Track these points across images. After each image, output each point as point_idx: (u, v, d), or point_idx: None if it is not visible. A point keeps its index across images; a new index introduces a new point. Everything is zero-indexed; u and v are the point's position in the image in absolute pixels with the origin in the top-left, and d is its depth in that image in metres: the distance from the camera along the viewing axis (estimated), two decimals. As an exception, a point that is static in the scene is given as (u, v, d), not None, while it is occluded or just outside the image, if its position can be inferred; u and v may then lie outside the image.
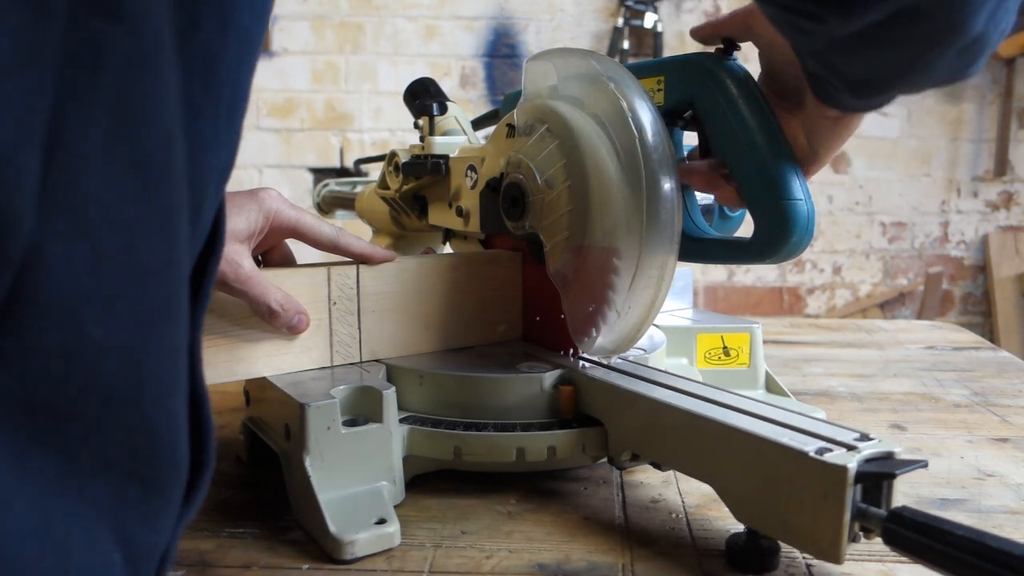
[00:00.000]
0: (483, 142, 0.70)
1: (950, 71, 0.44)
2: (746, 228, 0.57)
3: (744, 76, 0.53)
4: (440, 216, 0.72)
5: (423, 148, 0.72)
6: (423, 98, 0.74)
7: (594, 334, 0.55)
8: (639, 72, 0.56)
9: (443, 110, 0.72)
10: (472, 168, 0.65)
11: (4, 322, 0.20)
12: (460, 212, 0.67)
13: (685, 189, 0.58)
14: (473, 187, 0.65)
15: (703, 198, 0.63)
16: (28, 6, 0.19)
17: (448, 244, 0.78)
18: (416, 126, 0.74)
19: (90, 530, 0.24)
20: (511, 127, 0.60)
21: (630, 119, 0.51)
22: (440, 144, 0.71)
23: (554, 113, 0.55)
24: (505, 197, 0.60)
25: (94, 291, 0.22)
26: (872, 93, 0.47)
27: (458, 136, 0.73)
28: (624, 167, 0.51)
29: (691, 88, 0.54)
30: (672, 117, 0.56)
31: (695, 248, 0.57)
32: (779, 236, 0.51)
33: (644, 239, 0.51)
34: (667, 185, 0.50)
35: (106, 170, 0.22)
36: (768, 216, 0.51)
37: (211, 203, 0.29)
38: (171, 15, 0.23)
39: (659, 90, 0.56)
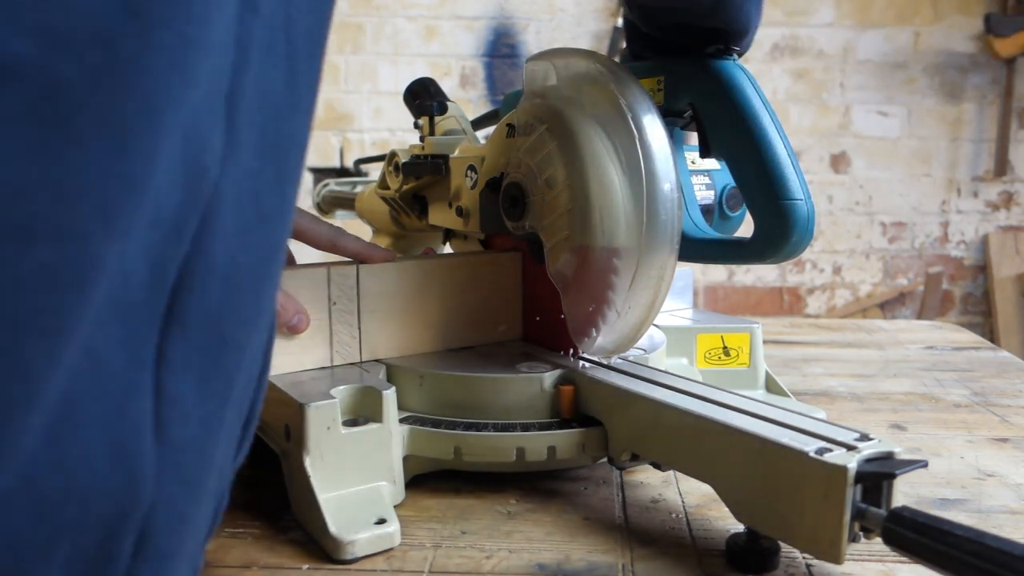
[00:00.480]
0: (483, 142, 0.70)
1: None
2: (746, 229, 0.57)
3: (744, 76, 0.53)
4: (440, 216, 0.72)
5: (423, 148, 0.72)
6: (423, 98, 0.74)
7: (594, 334, 0.55)
8: (639, 72, 0.56)
9: (443, 110, 0.72)
10: (472, 168, 0.65)
11: (196, 242, 0.24)
12: (460, 212, 0.67)
13: (685, 188, 0.58)
14: (473, 187, 0.65)
15: (703, 198, 0.63)
16: None
17: (448, 244, 0.79)
18: (416, 126, 0.74)
19: (225, 447, 0.28)
20: (511, 127, 0.60)
21: (630, 119, 0.51)
22: (440, 144, 0.71)
23: (554, 113, 0.55)
24: (505, 197, 0.60)
25: (243, 225, 0.25)
26: None
27: (458, 136, 0.73)
28: (624, 167, 0.51)
29: (691, 88, 0.54)
30: (672, 117, 0.56)
31: (695, 248, 0.57)
32: (779, 236, 0.51)
33: (644, 239, 0.51)
34: (667, 185, 0.50)
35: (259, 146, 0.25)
36: (768, 216, 0.51)
37: None
38: None
39: (659, 90, 0.56)
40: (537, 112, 0.57)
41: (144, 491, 0.23)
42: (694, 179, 0.63)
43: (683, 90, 0.55)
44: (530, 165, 0.57)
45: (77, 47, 0.18)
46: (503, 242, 0.68)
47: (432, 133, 0.72)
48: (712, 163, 0.63)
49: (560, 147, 0.54)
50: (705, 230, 0.59)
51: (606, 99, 0.52)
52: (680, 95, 0.55)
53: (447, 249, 0.81)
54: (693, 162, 0.63)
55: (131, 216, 0.20)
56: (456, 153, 0.69)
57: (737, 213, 0.65)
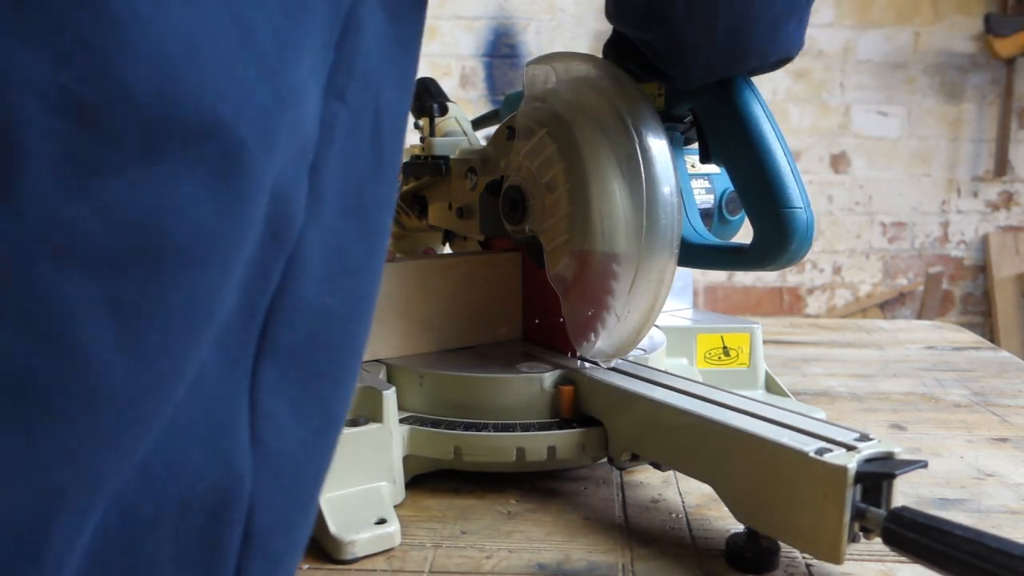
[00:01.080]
0: (483, 143, 0.70)
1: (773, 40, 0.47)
2: (744, 234, 0.57)
3: (745, 84, 0.53)
4: (440, 217, 0.72)
5: (423, 149, 0.72)
6: (423, 99, 0.74)
7: (593, 338, 0.55)
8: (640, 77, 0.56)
9: (443, 111, 0.72)
10: (472, 170, 0.65)
11: (283, 282, 0.27)
12: (460, 213, 0.67)
13: (685, 193, 0.58)
14: (473, 189, 0.65)
15: (703, 202, 0.63)
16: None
17: (448, 244, 0.79)
18: (416, 126, 0.74)
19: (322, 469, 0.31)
20: (511, 129, 0.60)
21: (630, 124, 0.51)
22: (440, 145, 0.71)
23: (554, 117, 0.55)
24: (505, 201, 0.60)
25: (329, 272, 0.29)
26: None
27: (458, 137, 0.73)
28: (624, 172, 0.51)
29: (692, 94, 0.54)
30: (673, 122, 0.56)
31: (694, 254, 0.57)
32: (778, 244, 0.51)
33: (644, 244, 0.51)
34: (667, 190, 0.50)
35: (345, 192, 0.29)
36: (767, 224, 0.51)
37: None
38: None
39: (659, 95, 0.56)
40: (537, 116, 0.57)
41: (243, 484, 0.27)
42: (694, 183, 0.63)
43: (684, 96, 0.55)
44: (530, 169, 0.57)
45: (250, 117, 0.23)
46: (503, 244, 0.68)
47: (432, 134, 0.72)
48: (712, 167, 0.63)
49: (560, 151, 0.54)
50: (705, 236, 0.59)
51: (606, 104, 0.52)
52: (681, 101, 0.55)
53: (447, 249, 0.81)
54: (693, 166, 0.63)
55: (237, 257, 0.24)
56: (456, 154, 0.69)
57: (736, 217, 0.65)
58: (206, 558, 0.26)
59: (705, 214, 0.63)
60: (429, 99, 0.73)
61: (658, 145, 0.50)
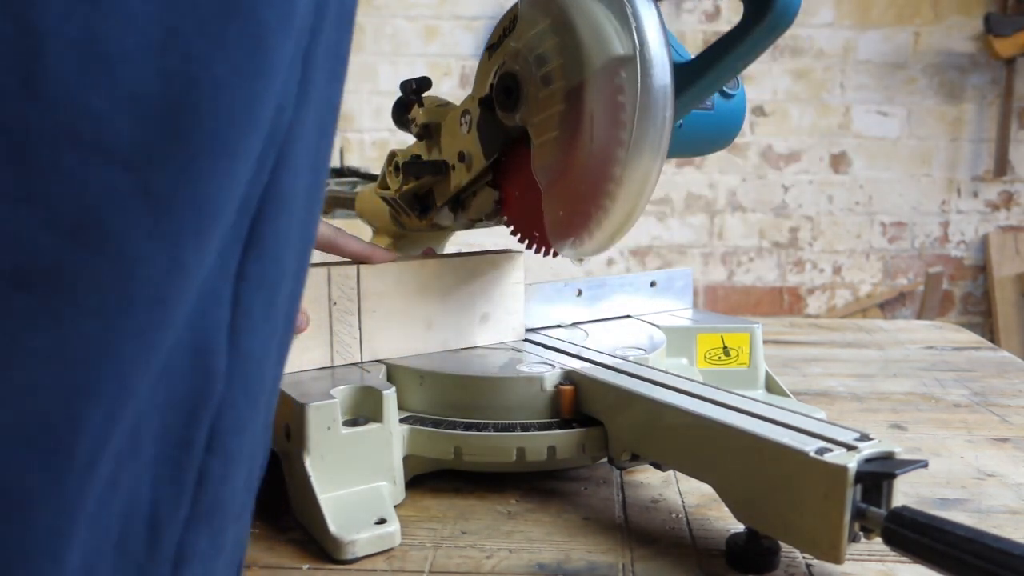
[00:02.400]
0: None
1: None
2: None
3: None
4: (444, 190, 0.70)
5: (414, 120, 0.71)
6: (404, 93, 0.73)
7: (572, 238, 0.55)
8: None
9: (427, 84, 0.71)
10: (466, 112, 0.64)
11: (273, 175, 0.27)
12: (462, 158, 0.66)
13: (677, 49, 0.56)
14: (469, 130, 0.64)
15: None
16: None
17: (456, 216, 0.75)
18: (411, 123, 0.73)
19: (273, 380, 0.32)
20: (491, 47, 0.60)
21: (631, 20, 0.49)
22: (430, 111, 0.70)
23: (558, 5, 0.53)
24: (499, 87, 0.59)
25: (310, 162, 0.29)
26: None
27: (448, 109, 0.72)
28: (623, 44, 0.50)
29: None
30: None
31: (685, 72, 0.54)
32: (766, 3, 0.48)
33: (632, 139, 0.49)
34: (661, 84, 0.49)
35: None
36: None
37: None
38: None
39: None
40: (541, 5, 0.55)
41: (216, 388, 0.27)
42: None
43: None
44: (527, 57, 0.56)
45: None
46: (508, 169, 0.65)
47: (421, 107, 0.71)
48: None
49: (560, 44, 0.53)
50: (686, 54, 0.56)
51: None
52: None
53: (447, 249, 0.81)
54: None
55: (258, 144, 0.24)
56: (447, 120, 0.68)
57: (737, 91, 0.63)
58: (178, 456, 0.27)
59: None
60: (408, 89, 0.73)
61: (653, 26, 0.49)
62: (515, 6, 0.58)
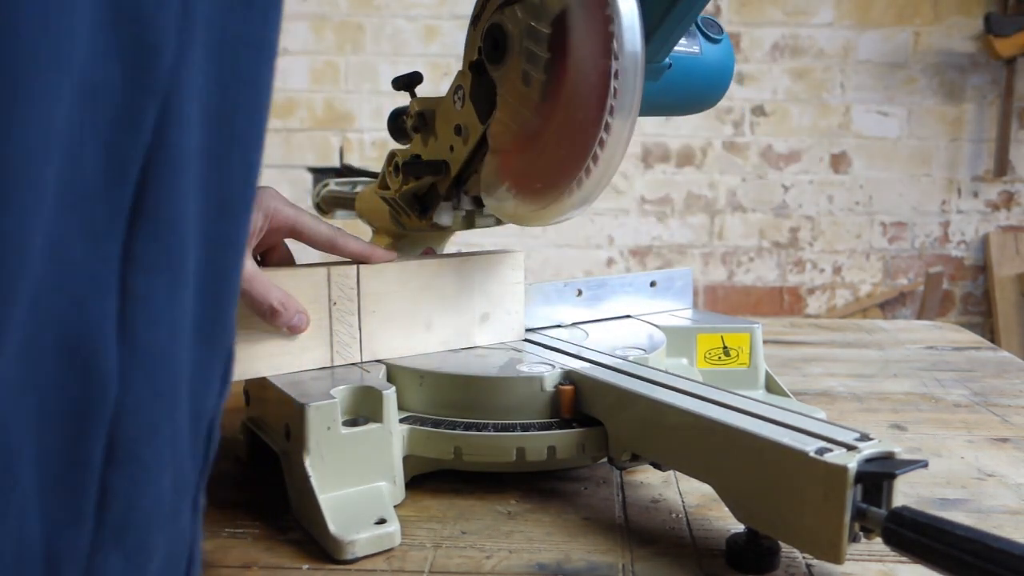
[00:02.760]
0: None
1: None
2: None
3: None
4: (446, 179, 0.70)
5: (411, 114, 0.71)
6: (396, 87, 0.74)
7: (564, 188, 0.54)
8: None
9: (418, 78, 0.72)
10: (458, 88, 0.64)
11: (157, 137, 0.23)
12: (459, 131, 0.66)
13: None
14: (463, 104, 0.64)
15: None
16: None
17: (460, 202, 0.75)
18: (408, 129, 0.73)
19: (203, 370, 0.29)
20: (475, 18, 0.60)
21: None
22: (424, 100, 0.70)
23: None
24: (487, 44, 0.58)
25: (210, 123, 0.25)
26: None
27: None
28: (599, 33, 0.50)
29: None
30: None
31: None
32: None
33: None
34: (634, 51, 0.49)
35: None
36: None
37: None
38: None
39: None
40: None
41: (108, 392, 0.23)
42: None
43: None
44: (515, 11, 0.56)
45: None
46: (500, 130, 0.65)
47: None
48: None
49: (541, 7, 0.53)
50: None
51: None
52: None
53: (447, 249, 0.81)
54: None
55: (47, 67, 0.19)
56: (441, 106, 0.68)
57: (722, 36, 0.63)
58: (69, 477, 0.23)
59: (690, 38, 0.61)
60: (404, 83, 0.73)
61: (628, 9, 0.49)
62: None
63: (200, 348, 0.27)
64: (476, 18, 0.60)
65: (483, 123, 0.62)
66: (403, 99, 0.73)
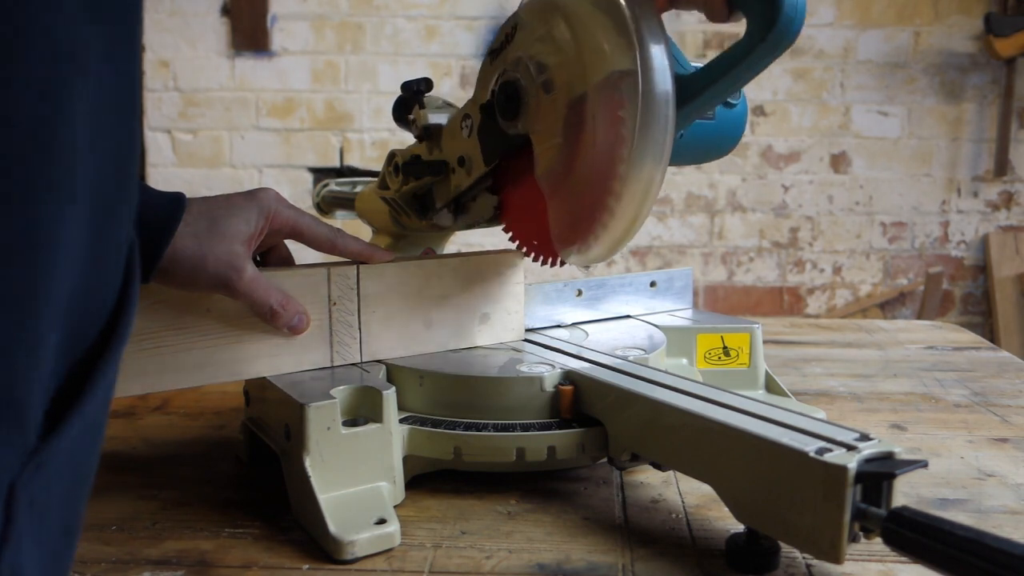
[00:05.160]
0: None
1: None
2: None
3: None
4: (445, 192, 0.70)
5: (414, 122, 0.71)
6: (405, 93, 0.74)
7: (577, 244, 0.55)
8: None
9: (429, 86, 0.71)
10: (467, 117, 0.64)
11: None
12: (462, 163, 0.66)
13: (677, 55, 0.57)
14: (469, 135, 0.64)
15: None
16: None
17: (457, 218, 0.75)
18: (410, 122, 0.73)
19: None
20: (492, 52, 0.60)
21: (631, 27, 0.49)
22: (432, 116, 0.70)
23: (554, 9, 0.54)
24: (500, 97, 0.59)
25: None
26: None
27: (450, 111, 0.72)
28: (623, 71, 0.50)
29: None
30: None
31: (689, 84, 0.54)
32: (771, 14, 0.48)
33: (633, 149, 0.50)
34: (663, 89, 0.49)
35: None
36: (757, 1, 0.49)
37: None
38: None
39: None
40: (539, 11, 0.55)
41: None
42: None
43: None
44: (528, 65, 0.56)
45: None
46: (507, 173, 0.65)
47: (422, 108, 0.71)
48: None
49: (558, 49, 0.53)
50: (692, 66, 0.56)
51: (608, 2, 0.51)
52: None
53: (447, 249, 0.81)
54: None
55: None
56: (447, 121, 0.68)
57: (739, 101, 0.63)
58: None
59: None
60: (410, 90, 0.73)
61: (657, 47, 0.49)
62: (517, 12, 0.58)
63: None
64: (495, 52, 0.60)
65: (487, 164, 0.63)
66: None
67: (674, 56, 0.52)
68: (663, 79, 0.49)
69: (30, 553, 0.26)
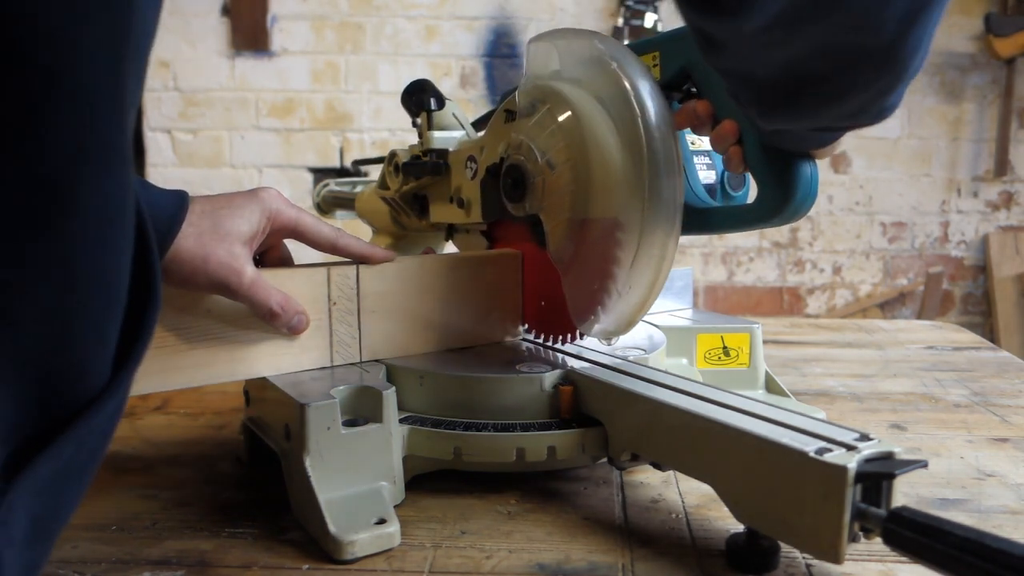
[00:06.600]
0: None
1: (868, 95, 0.41)
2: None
3: None
4: (442, 212, 0.72)
5: (422, 145, 0.72)
6: (420, 96, 0.74)
7: (597, 314, 0.55)
8: (636, 50, 0.56)
9: (440, 105, 0.72)
10: (472, 159, 0.65)
11: None
12: (461, 204, 0.67)
13: (688, 165, 0.58)
14: (473, 177, 0.65)
15: (704, 178, 0.63)
16: None
17: (451, 241, 0.78)
18: (414, 124, 0.74)
19: None
20: (509, 112, 0.60)
21: (632, 97, 0.51)
22: (439, 139, 0.71)
23: (556, 93, 0.55)
24: (506, 179, 0.60)
25: None
26: (783, 116, 0.45)
27: (456, 132, 0.73)
28: (626, 144, 0.51)
29: (686, 58, 0.54)
30: (670, 90, 0.56)
31: (699, 218, 0.56)
32: (783, 197, 0.50)
33: (645, 216, 0.51)
34: (668, 162, 0.50)
35: None
36: (772, 178, 0.50)
37: None
38: None
39: (655, 65, 0.56)
40: (539, 93, 0.57)
41: None
42: (696, 160, 0.63)
43: (679, 62, 0.54)
44: (531, 146, 0.57)
45: None
46: (505, 231, 0.67)
47: (431, 128, 0.72)
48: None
49: (562, 127, 0.54)
50: (706, 200, 0.59)
51: (608, 78, 0.52)
52: (676, 67, 0.54)
53: (448, 249, 0.81)
54: (693, 143, 0.62)
55: None
56: (455, 147, 0.69)
57: (739, 192, 0.64)
58: None
59: (708, 191, 0.63)
60: (425, 96, 0.73)
61: (660, 117, 0.51)
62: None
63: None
64: (510, 113, 0.61)
65: (484, 219, 0.66)
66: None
67: (688, 177, 0.56)
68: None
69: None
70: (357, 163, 1.06)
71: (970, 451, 0.65)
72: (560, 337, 0.64)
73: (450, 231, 0.76)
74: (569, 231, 0.55)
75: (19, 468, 0.28)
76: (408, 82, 0.78)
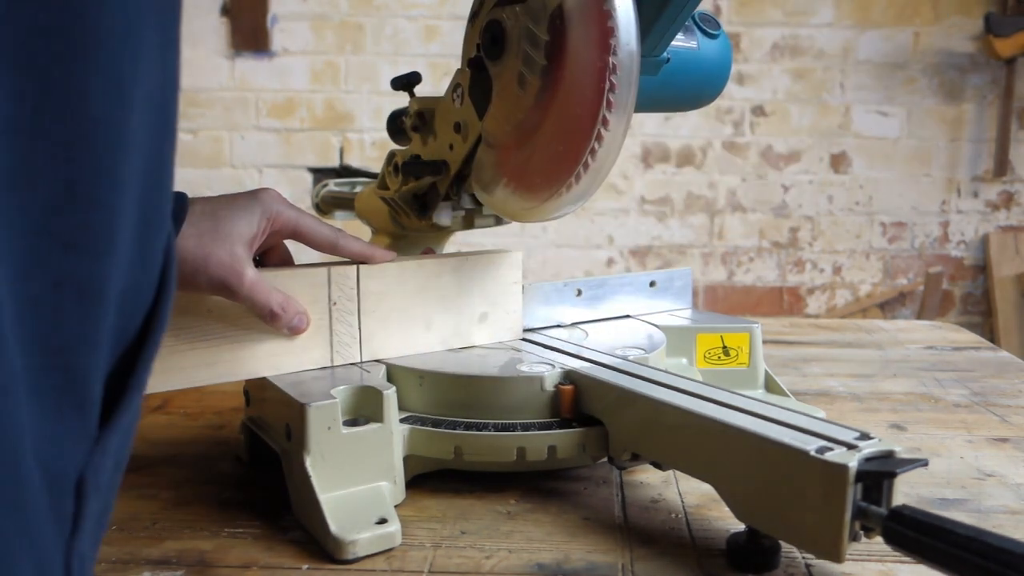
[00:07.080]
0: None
1: None
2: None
3: None
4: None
5: (411, 114, 0.71)
6: (400, 87, 0.74)
7: (565, 181, 0.54)
8: None
9: (417, 78, 0.72)
10: (457, 86, 0.64)
11: None
12: (458, 129, 0.66)
13: None
14: (462, 101, 0.64)
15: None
16: None
17: (461, 199, 0.75)
18: (407, 129, 0.73)
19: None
20: (473, 15, 0.60)
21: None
22: (423, 99, 0.70)
23: None
24: (486, 40, 0.59)
25: None
26: None
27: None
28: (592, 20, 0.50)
29: None
30: None
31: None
32: None
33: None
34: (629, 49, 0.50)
35: None
36: None
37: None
38: None
39: None
40: None
41: None
42: None
43: None
44: (515, 9, 0.56)
45: None
46: (505, 128, 0.65)
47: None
48: None
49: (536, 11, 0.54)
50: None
51: None
52: None
53: (446, 249, 0.81)
54: None
55: None
56: (439, 105, 0.68)
57: (719, 32, 0.64)
58: None
59: (687, 33, 0.62)
60: (401, 85, 0.73)
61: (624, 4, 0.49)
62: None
63: (39, 408, 0.25)
64: (474, 15, 0.61)
65: (481, 116, 0.62)
66: (403, 99, 0.73)
67: None
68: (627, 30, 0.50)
69: (87, 540, 0.27)
70: (349, 171, 1.05)
71: (970, 451, 0.65)
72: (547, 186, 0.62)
73: (457, 181, 0.72)
74: (533, 107, 0.54)
75: (114, 404, 0.28)
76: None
